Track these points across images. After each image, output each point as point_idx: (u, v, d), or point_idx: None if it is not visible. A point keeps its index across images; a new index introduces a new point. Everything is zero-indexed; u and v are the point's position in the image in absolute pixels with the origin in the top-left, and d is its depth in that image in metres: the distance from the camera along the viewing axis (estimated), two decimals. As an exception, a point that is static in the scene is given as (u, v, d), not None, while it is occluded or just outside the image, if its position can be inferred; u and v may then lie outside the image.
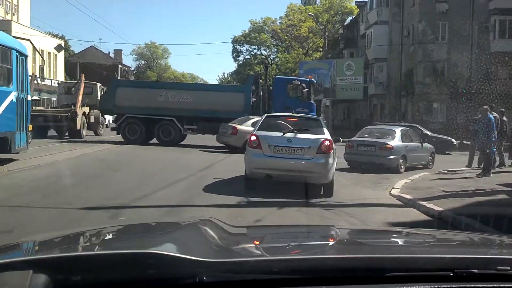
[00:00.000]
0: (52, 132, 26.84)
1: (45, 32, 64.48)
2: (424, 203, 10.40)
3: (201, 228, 2.62)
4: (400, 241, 2.94)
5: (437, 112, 42.86)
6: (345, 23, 59.41)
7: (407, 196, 11.45)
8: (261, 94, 26.10)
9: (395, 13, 46.51)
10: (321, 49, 53.28)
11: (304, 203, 9.96)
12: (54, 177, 12.12)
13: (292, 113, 13.61)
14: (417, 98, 42.99)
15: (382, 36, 46.34)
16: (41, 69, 24.47)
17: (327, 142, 10.85)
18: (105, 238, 2.66)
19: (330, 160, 10.84)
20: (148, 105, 24.59)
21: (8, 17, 70.23)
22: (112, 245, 2.54)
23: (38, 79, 24.18)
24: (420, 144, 18.92)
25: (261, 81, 26.38)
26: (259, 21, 58.40)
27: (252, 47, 58.88)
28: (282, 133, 11.05)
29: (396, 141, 17.36)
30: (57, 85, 42.89)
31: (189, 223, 2.97)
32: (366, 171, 16.79)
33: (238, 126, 22.39)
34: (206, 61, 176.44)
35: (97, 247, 2.50)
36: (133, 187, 11.01)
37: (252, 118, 22.99)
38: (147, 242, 2.37)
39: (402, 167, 17.10)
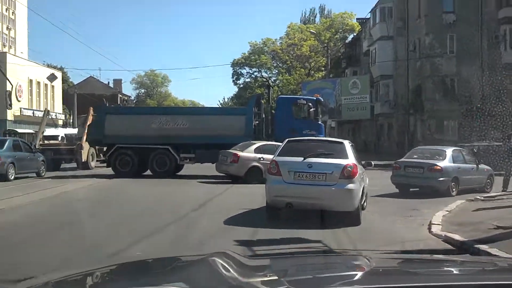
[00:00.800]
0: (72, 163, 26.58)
1: (43, 64, 62.78)
2: (484, 247, 7.80)
3: (218, 262, 2.54)
4: (434, 269, 2.79)
5: (448, 130, 40.25)
6: (347, 41, 57.23)
7: (457, 237, 8.84)
8: (264, 116, 23.62)
9: (400, 27, 44.28)
10: (323, 69, 50.99)
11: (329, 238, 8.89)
12: (2, 231, 9.50)
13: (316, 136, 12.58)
14: (427, 116, 40.46)
15: (387, 51, 44.03)
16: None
17: (350, 167, 10.21)
18: (124, 274, 2.69)
19: (355, 186, 10.19)
20: (141, 134, 22.11)
21: (5, 49, 68.78)
22: (132, 281, 2.49)
23: (52, 114, 24.21)
24: (475, 165, 17.32)
25: (263, 102, 23.88)
26: (259, 42, 56.50)
27: (252, 69, 56.66)
28: (302, 158, 10.27)
29: (446, 162, 16.27)
30: (54, 117, 41.49)
31: (205, 258, 2.82)
32: (405, 195, 15.86)
33: (240, 153, 19.88)
34: (207, 86, 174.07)
35: (120, 283, 2.51)
36: (100, 242, 8.39)
37: (254, 143, 20.49)
38: (166, 278, 2.41)
39: (453, 190, 15.97)
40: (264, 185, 11.03)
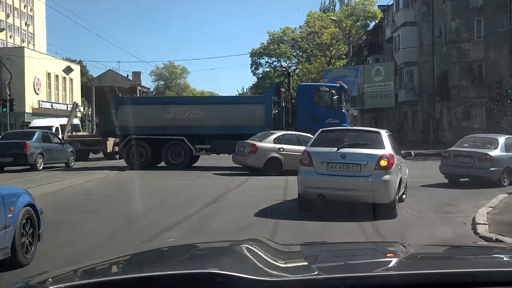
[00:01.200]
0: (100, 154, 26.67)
1: (63, 58, 62.23)
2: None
3: (250, 248, 2.58)
4: (464, 256, 2.74)
5: (475, 118, 38.43)
6: (368, 29, 55.31)
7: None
8: (284, 105, 22.23)
9: (424, 12, 42.49)
10: (344, 57, 49.27)
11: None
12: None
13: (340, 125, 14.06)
14: (453, 103, 38.70)
15: (411, 38, 42.26)
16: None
17: (386, 157, 9.75)
18: (165, 258, 2.75)
19: (391, 177, 9.76)
20: (154, 124, 20.90)
21: (24, 44, 68.41)
22: (174, 266, 2.51)
23: (81, 108, 23.83)
24: None
25: (283, 90, 22.47)
26: (277, 32, 54.69)
27: (271, 59, 54.96)
28: (336, 149, 9.91)
29: (498, 151, 15.26)
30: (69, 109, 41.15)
31: (237, 243, 2.81)
32: (445, 186, 15.10)
33: (258, 143, 18.57)
34: (225, 77, 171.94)
35: (162, 267, 2.48)
36: (95, 246, 7.17)
37: (274, 133, 19.17)
38: (207, 263, 2.42)
39: (505, 180, 15.06)
40: (285, 177, 11.54)
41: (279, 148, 18.50)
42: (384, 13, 50.61)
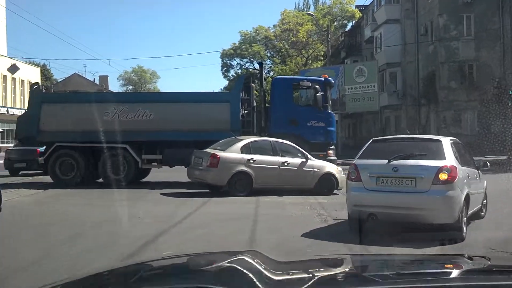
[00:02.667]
0: None
1: (26, 62, 56.60)
2: None
3: (250, 261, 2.53)
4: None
5: (466, 123, 34.17)
6: (346, 30, 50.79)
7: None
8: (255, 104, 17.36)
9: (408, 9, 38.20)
10: (322, 58, 44.61)
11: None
12: None
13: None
14: (441, 107, 34.36)
15: (394, 37, 37.87)
16: None
17: (447, 169, 8.18)
18: (157, 271, 2.62)
19: (454, 193, 8.15)
20: (89, 128, 15.70)
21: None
22: (167, 279, 2.41)
23: None
24: None
25: (254, 86, 17.48)
26: (250, 31, 49.66)
27: (243, 60, 50.03)
28: (387, 161, 8.45)
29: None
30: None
31: (237, 257, 2.70)
32: None
33: (220, 153, 13.64)
34: (198, 82, 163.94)
35: (154, 281, 2.39)
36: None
37: (242, 140, 14.28)
38: (200, 277, 2.39)
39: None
40: (255, 198, 10.06)
41: (248, 160, 13.61)
42: (363, 13, 46.20)
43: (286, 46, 47.97)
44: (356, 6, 48.38)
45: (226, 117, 15.91)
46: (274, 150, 14.07)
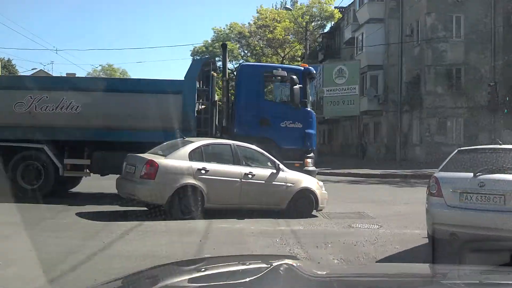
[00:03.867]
0: None
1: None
2: None
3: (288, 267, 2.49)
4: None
5: (452, 131, 30.93)
6: (325, 31, 47.21)
7: None
8: (216, 98, 13.48)
9: (393, 7, 34.95)
10: (299, 59, 40.90)
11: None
12: None
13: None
14: (426, 114, 31.04)
15: (377, 37, 34.38)
16: None
17: None
18: (195, 274, 2.53)
19: None
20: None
21: None
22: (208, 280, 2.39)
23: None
24: None
25: (216, 75, 13.50)
26: (223, 28, 45.65)
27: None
28: (472, 174, 7.19)
29: None
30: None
31: (272, 267, 2.62)
32: None
33: (160, 160, 9.73)
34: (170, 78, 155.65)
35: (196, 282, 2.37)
36: None
37: (191, 142, 10.37)
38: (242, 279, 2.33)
39: None
40: (207, 223, 8.09)
41: (198, 170, 9.73)
42: (344, 13, 42.73)
43: (262, 44, 44.11)
44: (336, 7, 44.88)
45: (177, 113, 12.02)
46: (235, 157, 10.27)
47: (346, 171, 23.22)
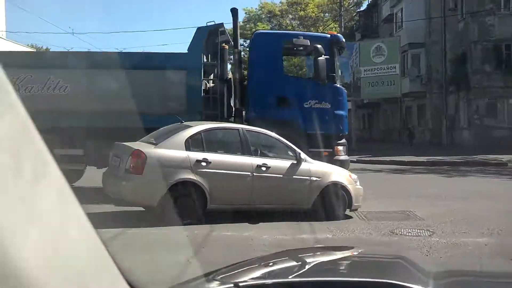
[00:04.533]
0: None
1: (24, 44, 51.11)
2: None
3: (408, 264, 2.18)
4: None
5: (503, 113, 27.99)
6: (361, 9, 44.31)
7: None
8: (226, 75, 11.30)
9: (434, -19, 31.85)
10: (334, 38, 38.32)
11: None
12: None
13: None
14: (473, 95, 28.20)
15: (418, 12, 31.57)
16: None
17: None
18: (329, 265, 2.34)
19: None
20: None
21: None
22: (346, 272, 2.30)
23: None
24: None
25: (226, 47, 11.32)
26: (255, 9, 43.29)
27: (246, 41, 43.65)
28: None
29: None
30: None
31: (391, 259, 2.54)
32: None
33: (149, 150, 7.66)
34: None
35: (336, 273, 2.22)
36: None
37: (189, 128, 8.25)
38: (379, 273, 2.12)
39: None
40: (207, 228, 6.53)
41: (197, 161, 7.64)
42: (380, -11, 39.81)
43: (294, 23, 41.53)
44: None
45: (180, 92, 9.98)
46: (244, 145, 8.13)
47: (388, 158, 20.92)
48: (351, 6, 42.16)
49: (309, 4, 38.70)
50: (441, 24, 31.17)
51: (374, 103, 38.63)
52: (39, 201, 0.70)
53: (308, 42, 10.16)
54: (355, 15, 43.82)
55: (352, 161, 20.08)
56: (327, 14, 40.93)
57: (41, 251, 0.69)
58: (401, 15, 33.10)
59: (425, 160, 19.85)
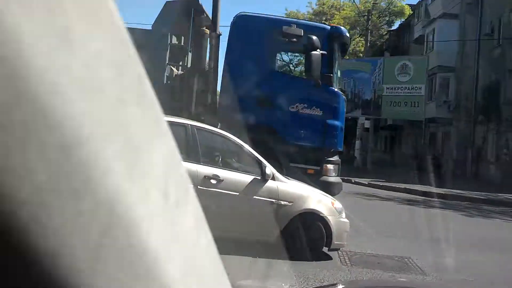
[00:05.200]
0: None
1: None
2: None
3: None
4: None
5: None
6: (393, 28, 42.01)
7: None
8: (202, 64, 9.20)
9: (470, 2, 29.50)
10: (361, 55, 35.97)
11: None
12: None
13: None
14: (505, 127, 25.62)
15: (450, 35, 29.20)
16: None
17: None
18: None
19: None
20: None
21: None
22: None
23: None
24: None
25: (207, 31, 9.13)
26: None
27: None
28: None
29: None
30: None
31: None
32: None
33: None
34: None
35: None
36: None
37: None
38: None
39: None
40: None
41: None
42: (414, 10, 37.53)
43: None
44: (408, 4, 39.75)
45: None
46: (191, 147, 6.00)
47: (403, 185, 18.63)
48: (381, 24, 39.96)
49: (335, 15, 36.62)
50: (475, 49, 28.77)
51: (397, 125, 36.20)
52: (181, 222, 0.59)
53: (301, 32, 7.99)
54: (386, 34, 41.54)
55: (363, 184, 17.34)
56: (355, 29, 38.88)
57: (182, 266, 0.60)
58: (433, 36, 30.74)
59: (443, 193, 17.38)
